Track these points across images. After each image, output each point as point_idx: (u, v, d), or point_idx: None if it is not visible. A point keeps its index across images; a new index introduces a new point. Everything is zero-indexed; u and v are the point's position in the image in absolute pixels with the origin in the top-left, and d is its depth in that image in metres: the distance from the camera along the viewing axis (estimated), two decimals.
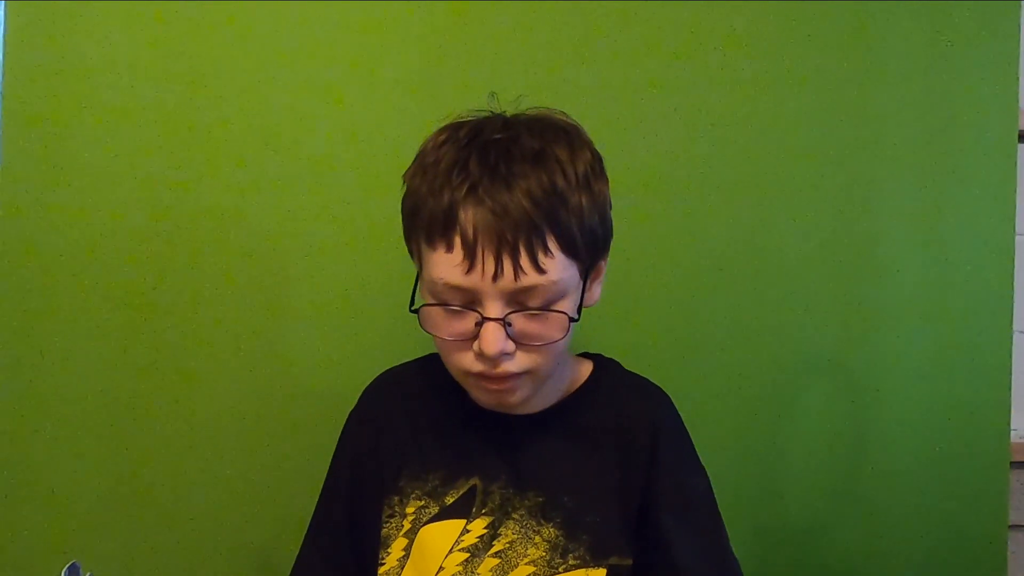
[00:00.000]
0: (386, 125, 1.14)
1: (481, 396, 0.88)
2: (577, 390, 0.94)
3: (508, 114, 0.88)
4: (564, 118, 0.88)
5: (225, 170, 1.11)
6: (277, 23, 1.12)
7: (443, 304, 0.82)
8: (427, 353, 1.04)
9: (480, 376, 0.84)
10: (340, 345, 1.13)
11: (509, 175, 0.80)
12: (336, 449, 0.99)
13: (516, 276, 0.79)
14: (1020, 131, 1.26)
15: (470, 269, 0.79)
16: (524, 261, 0.79)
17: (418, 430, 0.95)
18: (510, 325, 0.81)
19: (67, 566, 0.73)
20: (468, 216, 0.79)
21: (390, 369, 1.01)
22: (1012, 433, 1.26)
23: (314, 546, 0.97)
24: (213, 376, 1.11)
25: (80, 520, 1.09)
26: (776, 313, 1.20)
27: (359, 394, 1.00)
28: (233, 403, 1.11)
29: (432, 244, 0.81)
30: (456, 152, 0.83)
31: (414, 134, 1.12)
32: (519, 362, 0.83)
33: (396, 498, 0.92)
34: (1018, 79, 1.25)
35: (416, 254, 0.86)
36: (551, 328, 0.83)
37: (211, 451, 1.11)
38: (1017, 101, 1.25)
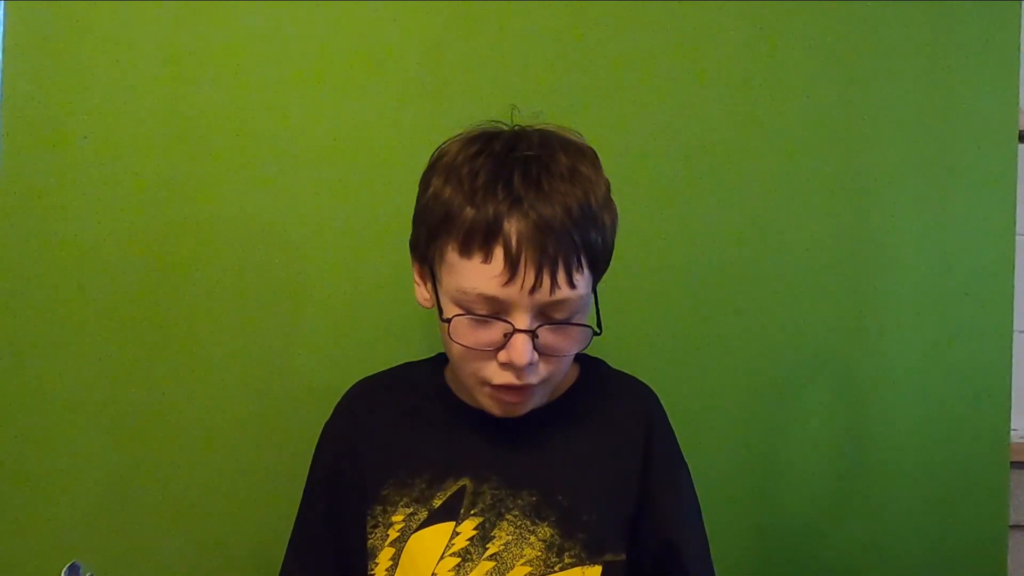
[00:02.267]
0: (388, 127, 1.14)
1: (493, 406, 0.88)
2: (568, 389, 0.95)
3: (533, 128, 0.89)
4: (578, 137, 0.90)
5: (226, 170, 1.11)
6: (279, 22, 1.12)
7: (471, 314, 0.83)
8: (421, 353, 1.04)
9: (500, 387, 0.85)
10: (342, 345, 1.13)
11: (551, 191, 0.82)
12: (312, 461, 0.99)
13: (552, 290, 0.81)
14: (1020, 131, 1.26)
15: (510, 281, 0.80)
16: (561, 276, 0.81)
17: (400, 436, 0.94)
18: (537, 337, 0.82)
19: (67, 566, 0.73)
20: (512, 229, 0.80)
21: (364, 379, 1.01)
22: (1012, 433, 1.26)
23: (295, 559, 0.97)
24: (214, 376, 1.11)
25: (80, 520, 1.09)
26: (776, 313, 1.21)
27: (331, 391, 1.01)
28: (234, 403, 1.11)
29: (468, 254, 0.81)
30: (495, 165, 0.83)
31: (416, 135, 1.13)
32: (540, 372, 0.85)
33: (379, 508, 0.91)
34: (1018, 79, 1.25)
35: (436, 260, 0.86)
36: (572, 340, 0.85)
37: (212, 451, 1.11)
38: (1017, 101, 1.25)
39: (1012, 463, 1.26)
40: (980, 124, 1.24)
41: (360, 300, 1.13)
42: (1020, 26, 1.25)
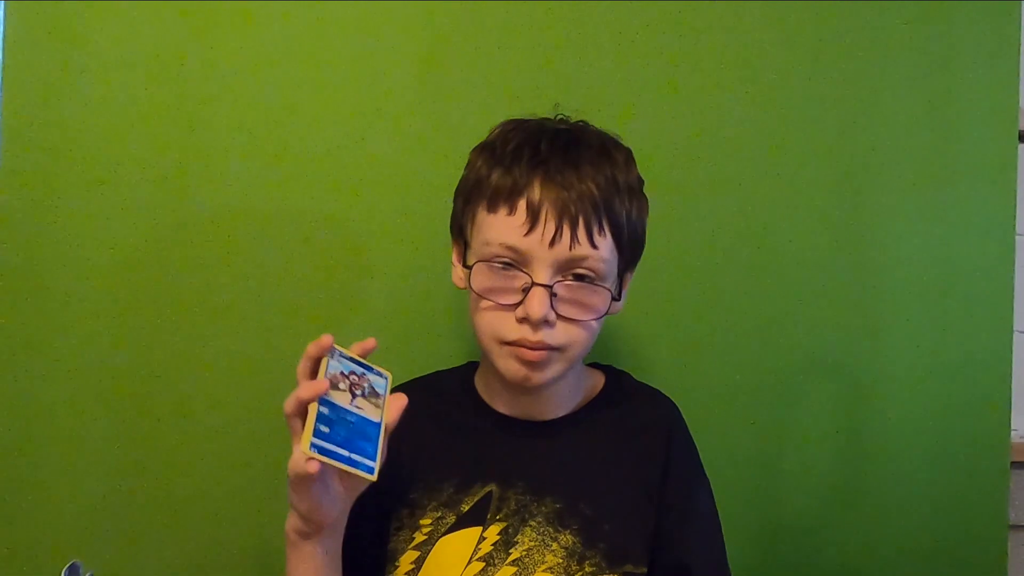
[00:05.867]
0: (389, 127, 1.14)
1: (510, 368, 0.87)
2: (593, 399, 0.96)
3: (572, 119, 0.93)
4: (618, 138, 0.93)
5: (226, 169, 1.11)
6: (280, 22, 1.12)
7: (497, 259, 0.84)
8: (434, 368, 1.05)
9: (515, 344, 0.85)
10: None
11: (577, 158, 0.85)
12: None
13: (572, 244, 0.83)
14: (1020, 131, 1.26)
15: (530, 231, 0.82)
16: (581, 233, 0.83)
17: (432, 441, 0.95)
18: (555, 296, 0.83)
19: (67, 566, 0.73)
20: (536, 185, 0.83)
21: (398, 386, 1.02)
22: (1012, 433, 1.26)
23: None
24: (216, 378, 1.11)
25: (80, 520, 1.09)
26: (777, 313, 1.20)
27: None
28: (237, 405, 1.11)
29: (494, 209, 0.84)
30: (526, 135, 0.88)
31: (417, 136, 1.13)
32: (556, 335, 0.85)
33: (405, 511, 0.92)
34: (1018, 79, 1.25)
35: (468, 226, 0.89)
36: (590, 304, 0.85)
37: (213, 452, 1.11)
38: (1017, 101, 1.25)
39: (1012, 463, 1.26)
40: (980, 124, 1.24)
41: (371, 300, 1.13)
42: (1020, 26, 1.25)
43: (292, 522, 0.83)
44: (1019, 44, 1.25)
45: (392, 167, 1.14)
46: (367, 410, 0.79)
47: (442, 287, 1.09)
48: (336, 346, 0.79)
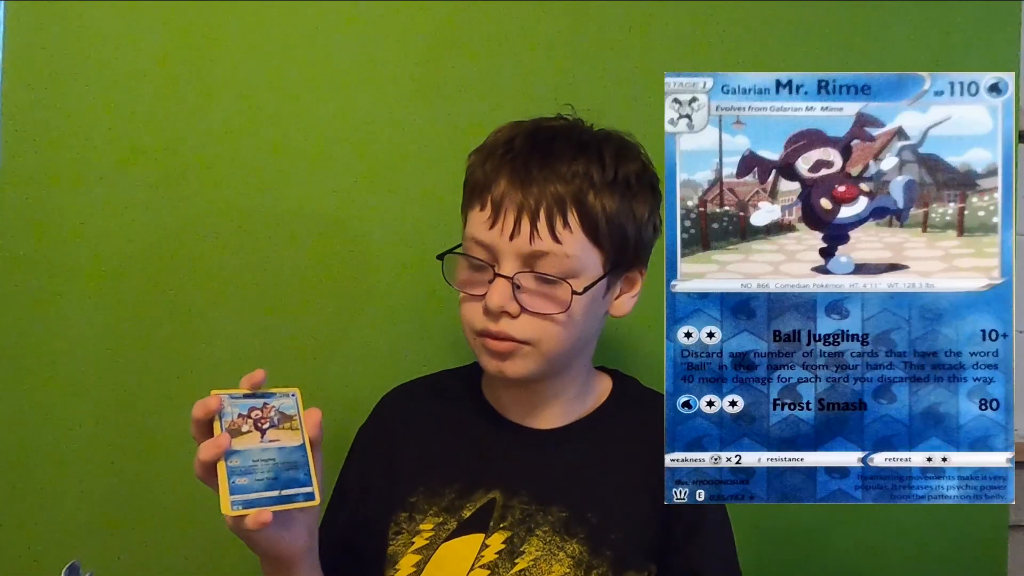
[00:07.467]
0: (386, 126, 1.14)
1: (484, 361, 0.88)
2: (600, 406, 0.95)
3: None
4: (630, 137, 0.92)
5: (227, 170, 1.11)
6: (279, 22, 1.12)
7: (465, 255, 0.87)
8: (446, 362, 1.06)
9: (483, 334, 0.86)
10: (339, 349, 1.13)
11: (548, 154, 0.85)
12: (345, 463, 0.99)
13: (531, 239, 0.83)
14: (1020, 131, 1.25)
15: (493, 225, 0.84)
16: (541, 226, 0.83)
17: (434, 443, 0.95)
18: (518, 287, 0.84)
19: (67, 566, 0.73)
20: (502, 181, 0.85)
21: (403, 384, 1.02)
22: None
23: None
24: (217, 378, 1.10)
25: (80, 520, 1.09)
26: None
27: (363, 397, 1.01)
28: None
29: (471, 206, 0.88)
30: (511, 132, 0.89)
31: (414, 136, 1.13)
32: (521, 328, 0.85)
33: (404, 514, 0.91)
34: (1018, 79, 1.25)
35: (464, 225, 0.91)
36: (553, 298, 0.85)
37: None
38: (1017, 101, 1.25)
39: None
40: None
41: (375, 301, 1.13)
42: (1020, 26, 1.25)
43: (265, 568, 0.83)
44: (1019, 44, 1.25)
45: (396, 167, 1.14)
46: (284, 438, 0.76)
47: (446, 287, 1.09)
48: (221, 392, 0.76)
